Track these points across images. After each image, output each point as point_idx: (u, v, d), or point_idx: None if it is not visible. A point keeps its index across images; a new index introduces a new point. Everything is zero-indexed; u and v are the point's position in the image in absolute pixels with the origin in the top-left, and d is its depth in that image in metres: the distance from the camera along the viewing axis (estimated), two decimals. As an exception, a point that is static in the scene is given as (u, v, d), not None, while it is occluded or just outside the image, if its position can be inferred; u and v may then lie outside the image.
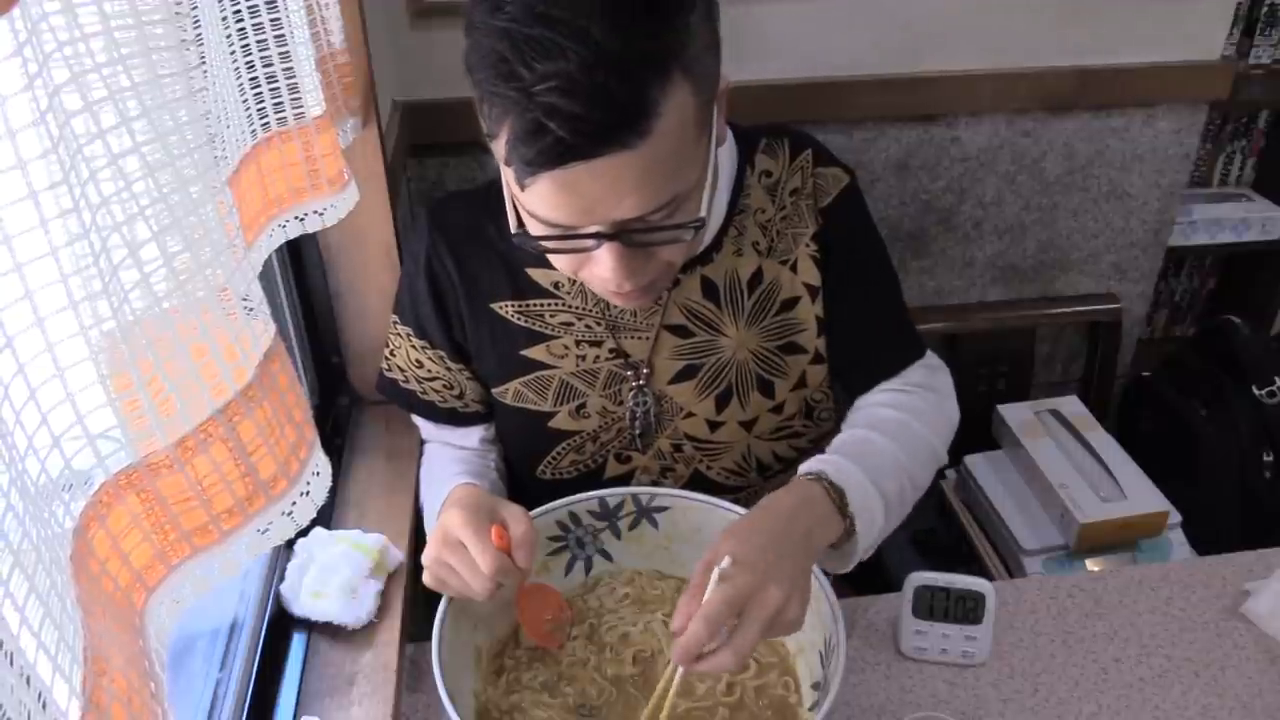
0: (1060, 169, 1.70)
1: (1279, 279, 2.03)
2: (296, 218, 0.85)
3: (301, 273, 1.22)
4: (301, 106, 0.82)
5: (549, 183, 0.74)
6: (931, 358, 1.07)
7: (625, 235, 0.78)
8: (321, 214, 0.88)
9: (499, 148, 0.75)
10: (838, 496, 0.85)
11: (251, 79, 0.76)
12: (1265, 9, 1.78)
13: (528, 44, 0.69)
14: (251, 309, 0.53)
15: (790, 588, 0.74)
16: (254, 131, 0.76)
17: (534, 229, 0.80)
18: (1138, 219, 1.79)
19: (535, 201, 0.77)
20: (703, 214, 0.81)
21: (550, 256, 0.88)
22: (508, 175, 0.79)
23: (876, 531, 0.89)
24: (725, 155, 0.98)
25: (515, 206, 0.81)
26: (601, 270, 0.81)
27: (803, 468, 0.90)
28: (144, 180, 0.45)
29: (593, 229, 0.77)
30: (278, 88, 0.79)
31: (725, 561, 0.73)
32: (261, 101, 0.77)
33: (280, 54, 0.78)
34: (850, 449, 0.92)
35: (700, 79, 0.76)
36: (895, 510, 0.91)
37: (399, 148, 1.37)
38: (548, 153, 0.71)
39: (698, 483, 1.05)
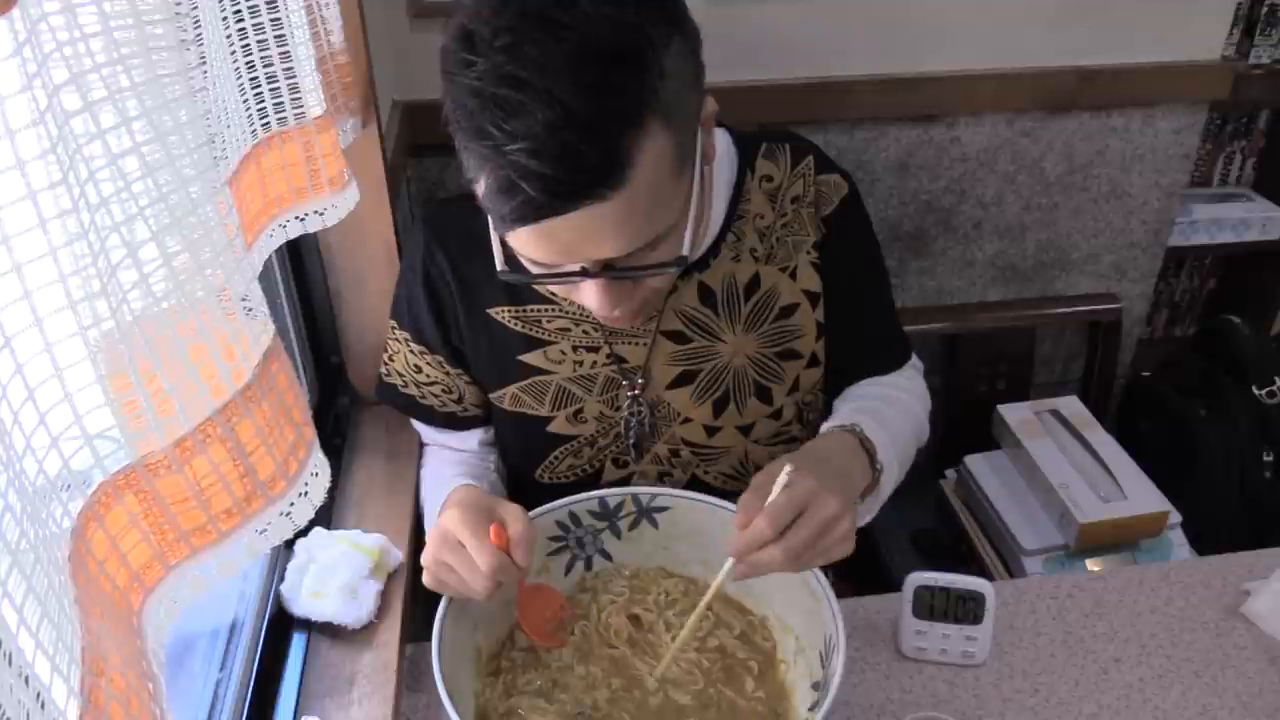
0: (1060, 169, 1.70)
1: (1279, 279, 2.03)
2: (297, 217, 0.85)
3: (301, 273, 1.22)
4: (302, 106, 0.82)
5: (527, 232, 0.75)
6: (915, 359, 1.13)
7: (608, 271, 0.80)
8: (322, 214, 0.88)
9: (478, 194, 0.76)
10: (870, 448, 0.91)
11: (252, 79, 0.76)
12: (1265, 9, 1.78)
13: (496, 103, 0.69)
14: (251, 309, 0.53)
15: (845, 504, 0.78)
16: (254, 131, 0.76)
17: (523, 263, 0.82)
18: (1138, 219, 1.78)
19: (517, 244, 0.79)
20: (685, 252, 0.82)
21: None
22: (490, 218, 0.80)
23: (888, 491, 0.95)
24: (723, 161, 0.98)
25: (501, 242, 0.82)
26: (587, 299, 0.83)
27: (830, 423, 0.96)
28: (143, 180, 0.45)
29: (575, 266, 0.79)
30: (278, 88, 0.79)
31: (788, 469, 0.77)
32: (262, 101, 0.77)
33: (280, 54, 0.78)
34: (869, 411, 0.98)
35: (678, 120, 0.75)
36: (899, 476, 0.97)
37: (399, 148, 1.36)
38: (520, 209, 0.72)
39: (695, 488, 1.05)
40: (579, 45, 0.69)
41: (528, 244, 0.77)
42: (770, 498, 0.77)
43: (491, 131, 0.69)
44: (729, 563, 0.78)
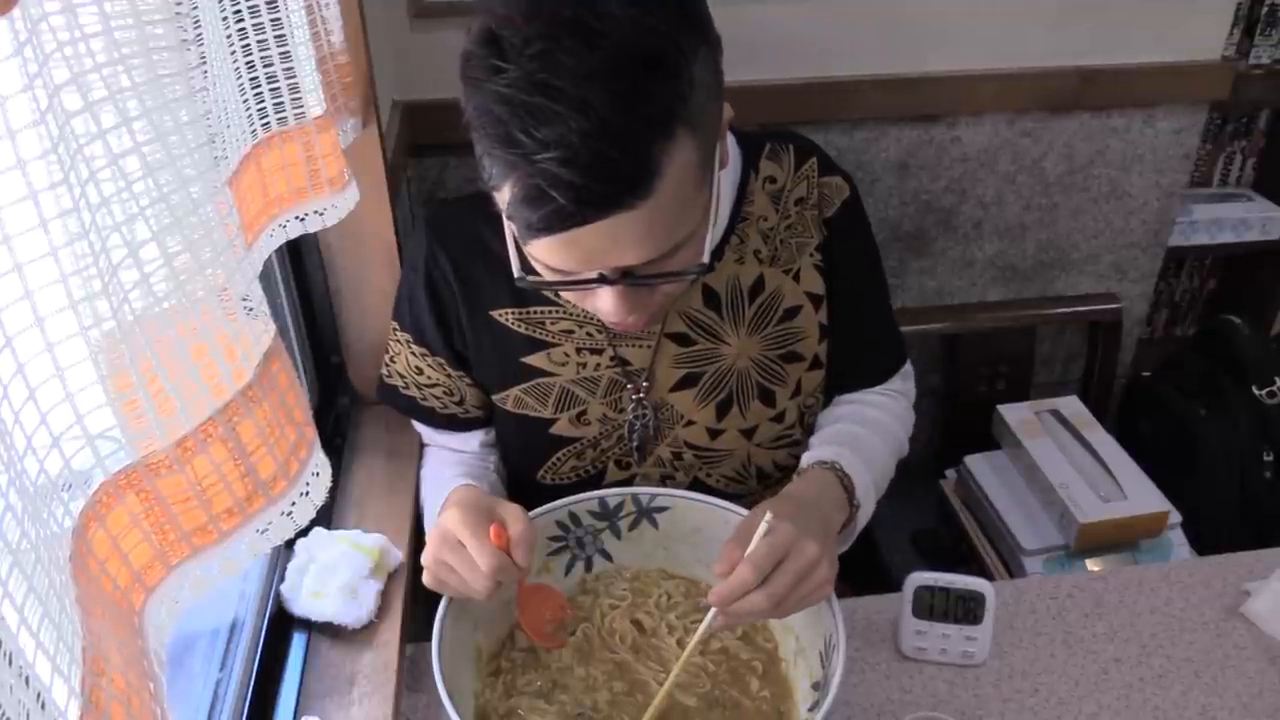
0: (1060, 169, 1.70)
1: (1279, 279, 2.03)
2: (297, 218, 0.85)
3: (301, 272, 1.22)
4: (302, 106, 0.82)
5: (550, 240, 0.74)
6: (907, 365, 1.14)
7: (627, 278, 0.79)
8: (322, 214, 0.88)
9: (501, 202, 0.76)
10: (849, 484, 0.92)
11: (252, 79, 0.76)
12: (1265, 9, 1.78)
13: (527, 111, 0.68)
14: (251, 309, 0.54)
15: (823, 549, 0.78)
16: (254, 131, 0.76)
17: (539, 269, 0.82)
18: (1138, 219, 1.78)
19: (537, 251, 0.78)
20: (705, 260, 0.81)
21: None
22: (510, 226, 0.79)
23: (863, 523, 0.96)
24: (729, 164, 0.98)
25: (519, 249, 0.82)
26: (603, 306, 0.82)
27: (810, 456, 0.96)
28: (144, 180, 0.45)
29: (593, 274, 0.78)
30: (278, 88, 0.79)
31: (769, 517, 0.77)
32: (262, 101, 0.77)
33: (280, 54, 0.78)
34: (848, 441, 0.99)
35: (704, 129, 0.75)
36: (875, 500, 1.00)
37: (399, 148, 1.36)
38: (549, 218, 0.71)
39: (697, 490, 1.04)
40: (613, 52, 0.68)
41: (549, 252, 0.76)
42: (751, 546, 0.77)
43: (521, 139, 0.68)
44: (711, 612, 0.78)
